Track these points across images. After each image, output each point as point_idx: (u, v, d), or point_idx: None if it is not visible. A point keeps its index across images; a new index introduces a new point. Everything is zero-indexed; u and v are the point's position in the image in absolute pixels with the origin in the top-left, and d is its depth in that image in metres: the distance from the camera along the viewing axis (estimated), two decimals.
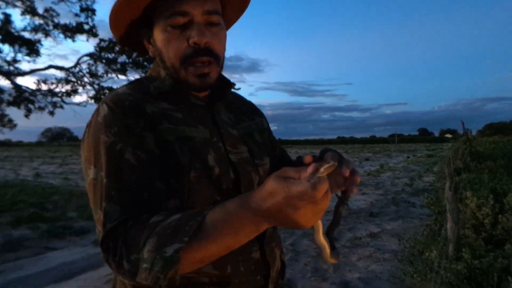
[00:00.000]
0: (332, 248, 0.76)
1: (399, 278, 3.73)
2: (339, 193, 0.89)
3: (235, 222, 0.64)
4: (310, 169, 0.60)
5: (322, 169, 0.61)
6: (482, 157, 10.38)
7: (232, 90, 1.03)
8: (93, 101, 14.63)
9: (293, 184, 0.58)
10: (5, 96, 14.34)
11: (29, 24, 13.66)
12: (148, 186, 0.76)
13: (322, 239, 0.71)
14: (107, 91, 14.19)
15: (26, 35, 13.42)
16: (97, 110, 0.83)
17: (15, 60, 13.66)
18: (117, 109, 0.81)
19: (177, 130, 0.84)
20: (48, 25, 13.57)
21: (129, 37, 0.95)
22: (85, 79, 14.53)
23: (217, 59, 0.89)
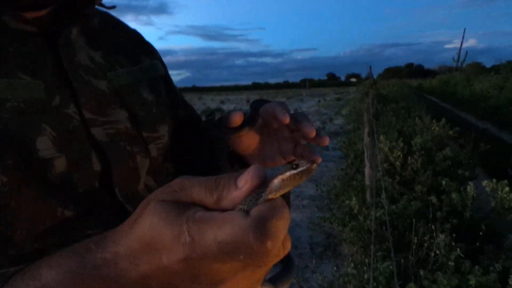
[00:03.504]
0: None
1: (318, 225, 3.76)
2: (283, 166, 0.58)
3: None
4: (242, 181, 0.27)
5: (276, 182, 0.28)
6: (386, 100, 11.13)
7: (100, 8, 0.60)
8: None
9: (204, 227, 0.26)
10: None
11: None
12: None
13: None
14: None
15: None
16: None
17: None
18: None
19: None
20: None
21: None
22: None
23: None
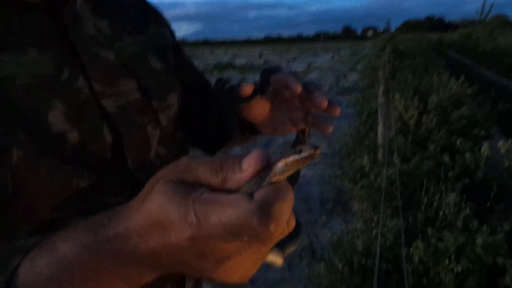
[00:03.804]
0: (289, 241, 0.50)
1: (329, 182, 3.82)
2: (295, 134, 0.61)
3: (83, 280, 0.32)
4: (246, 164, 0.29)
5: (280, 165, 0.29)
6: (404, 55, 10.77)
7: None
8: None
9: (209, 208, 0.27)
10: None
11: None
12: None
13: (269, 256, 0.42)
14: None
15: None
16: None
17: None
18: None
19: None
20: None
21: None
22: None
23: None
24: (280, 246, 0.53)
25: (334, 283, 2.06)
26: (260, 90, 0.58)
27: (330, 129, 0.56)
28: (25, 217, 0.44)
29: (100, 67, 0.51)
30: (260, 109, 0.60)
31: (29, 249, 0.34)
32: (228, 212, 0.26)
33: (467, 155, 3.02)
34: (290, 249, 0.54)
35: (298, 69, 17.10)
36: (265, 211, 0.26)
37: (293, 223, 0.30)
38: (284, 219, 0.27)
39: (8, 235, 0.44)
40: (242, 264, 0.30)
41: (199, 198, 0.27)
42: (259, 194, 0.27)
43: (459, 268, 1.85)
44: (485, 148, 3.05)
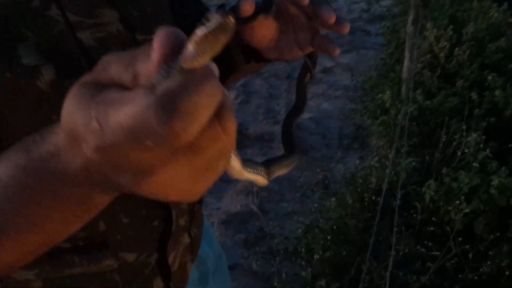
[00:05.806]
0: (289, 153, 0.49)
1: (349, 117, 3.75)
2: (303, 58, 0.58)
3: (24, 202, 0.30)
4: (155, 51, 0.23)
5: (190, 47, 0.22)
6: None
7: None
8: None
9: (108, 110, 0.23)
10: None
11: None
12: None
13: (246, 174, 0.39)
14: None
15: None
16: None
17: None
18: None
19: None
20: None
21: None
22: None
23: None
24: (267, 164, 0.46)
25: (344, 217, 2.11)
26: (262, 9, 0.54)
27: (338, 52, 0.52)
28: None
29: None
30: (264, 31, 0.56)
31: None
32: (125, 111, 0.22)
33: (497, 92, 2.85)
34: (280, 171, 0.47)
35: None
36: (166, 105, 0.21)
37: (231, 127, 0.24)
38: (199, 117, 0.21)
39: None
40: (176, 179, 0.25)
41: (103, 100, 0.23)
42: (161, 86, 0.22)
43: (469, 208, 1.85)
44: None
